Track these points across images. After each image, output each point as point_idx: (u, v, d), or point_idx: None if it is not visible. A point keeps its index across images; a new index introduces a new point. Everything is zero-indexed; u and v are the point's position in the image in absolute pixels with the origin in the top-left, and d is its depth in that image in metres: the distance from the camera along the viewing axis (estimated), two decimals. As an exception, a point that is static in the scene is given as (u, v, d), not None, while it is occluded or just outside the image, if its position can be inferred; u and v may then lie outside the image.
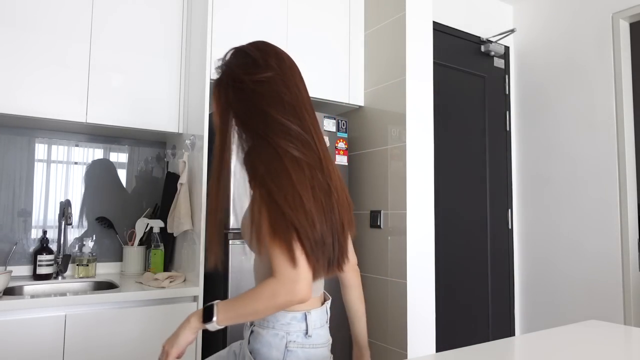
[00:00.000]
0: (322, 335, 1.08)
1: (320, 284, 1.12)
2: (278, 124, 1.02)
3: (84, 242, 2.19)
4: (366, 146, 2.34)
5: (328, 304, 1.14)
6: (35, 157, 2.19)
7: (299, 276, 0.94)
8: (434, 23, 2.77)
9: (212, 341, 1.97)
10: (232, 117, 1.07)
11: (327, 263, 1.01)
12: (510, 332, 3.06)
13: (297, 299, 0.94)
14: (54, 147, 2.24)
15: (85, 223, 2.28)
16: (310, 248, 0.95)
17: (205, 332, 2.00)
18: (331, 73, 2.29)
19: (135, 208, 2.40)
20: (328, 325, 1.14)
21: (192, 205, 2.00)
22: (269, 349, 1.04)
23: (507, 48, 3.18)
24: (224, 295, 1.88)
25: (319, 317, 1.09)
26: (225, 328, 1.85)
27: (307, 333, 1.05)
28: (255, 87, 1.05)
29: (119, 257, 2.34)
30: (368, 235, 2.28)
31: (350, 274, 1.26)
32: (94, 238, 2.29)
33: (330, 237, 1.00)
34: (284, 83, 1.06)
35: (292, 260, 0.93)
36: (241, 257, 1.90)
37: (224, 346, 1.86)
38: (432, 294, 2.13)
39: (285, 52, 1.13)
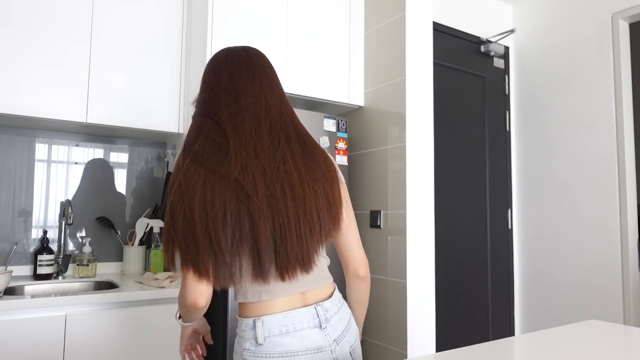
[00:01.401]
0: (283, 344, 0.99)
1: (282, 286, 1.02)
2: (196, 131, 1.03)
3: (84, 242, 2.19)
4: (366, 146, 2.34)
5: (308, 309, 1.03)
6: (36, 157, 2.19)
7: (184, 282, 0.97)
8: (434, 23, 2.77)
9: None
10: None
11: (253, 270, 0.98)
12: (510, 332, 3.06)
13: (187, 304, 0.98)
14: (54, 147, 2.24)
15: (85, 223, 2.28)
16: (188, 256, 0.94)
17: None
18: (331, 73, 2.29)
19: (135, 208, 2.41)
20: (315, 330, 1.02)
21: (192, 205, 2.00)
22: (235, 356, 1.05)
23: (506, 48, 3.18)
24: (223, 295, 1.88)
25: (280, 323, 1.01)
26: (225, 327, 1.85)
27: (257, 341, 1.00)
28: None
29: (119, 257, 2.34)
30: (368, 235, 2.28)
31: (349, 279, 1.17)
32: (94, 238, 2.29)
33: (239, 243, 0.95)
34: (215, 87, 1.06)
35: (173, 268, 0.97)
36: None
37: (224, 346, 1.86)
38: (432, 294, 2.13)
39: (230, 54, 1.09)
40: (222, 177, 0.95)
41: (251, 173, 0.96)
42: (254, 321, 1.01)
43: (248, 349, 1.00)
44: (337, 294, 1.12)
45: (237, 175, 0.95)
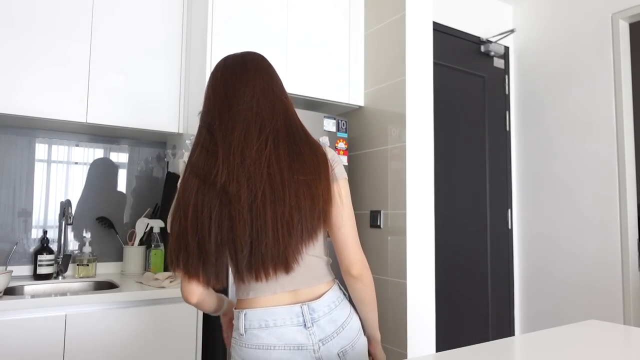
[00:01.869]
0: (261, 336, 1.05)
1: (266, 285, 1.07)
2: (195, 143, 1.09)
3: (84, 242, 2.19)
4: (366, 146, 2.34)
5: (292, 307, 1.06)
6: (36, 157, 2.19)
7: (180, 281, 1.10)
8: (434, 23, 2.77)
9: (211, 341, 1.97)
10: None
11: (233, 271, 1.06)
12: (510, 332, 3.06)
13: (184, 300, 1.10)
14: (54, 147, 2.24)
15: (85, 223, 2.28)
16: (180, 259, 1.04)
17: (205, 334, 2.00)
18: (331, 73, 2.29)
19: (135, 208, 2.41)
20: (298, 328, 1.05)
21: (192, 205, 2.00)
22: None
23: (506, 48, 3.18)
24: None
25: (259, 317, 1.06)
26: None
27: (239, 331, 1.08)
28: None
29: (119, 257, 2.34)
30: (368, 235, 2.28)
31: (344, 277, 1.15)
32: (94, 238, 2.29)
33: (220, 247, 1.01)
34: (212, 98, 1.11)
35: (173, 270, 1.08)
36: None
37: (224, 347, 1.86)
38: (432, 293, 2.13)
39: (226, 64, 1.13)
40: (210, 185, 1.02)
41: (236, 179, 1.01)
42: (239, 313, 1.09)
43: (234, 337, 1.10)
44: (332, 295, 1.10)
45: (224, 182, 1.01)
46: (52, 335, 1.59)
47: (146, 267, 2.25)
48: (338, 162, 1.13)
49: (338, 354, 1.07)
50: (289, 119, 1.10)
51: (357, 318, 1.15)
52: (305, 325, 1.05)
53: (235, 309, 1.12)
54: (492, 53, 3.05)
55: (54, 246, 2.17)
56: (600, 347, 1.04)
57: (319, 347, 1.05)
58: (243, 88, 1.08)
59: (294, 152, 1.06)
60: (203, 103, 1.13)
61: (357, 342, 1.12)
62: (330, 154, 1.13)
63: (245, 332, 1.06)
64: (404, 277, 2.07)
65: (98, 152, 2.34)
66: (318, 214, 1.05)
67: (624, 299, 2.50)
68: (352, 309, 1.15)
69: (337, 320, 1.08)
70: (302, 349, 1.04)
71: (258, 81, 1.10)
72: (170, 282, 1.89)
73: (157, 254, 2.17)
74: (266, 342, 1.04)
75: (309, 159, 1.07)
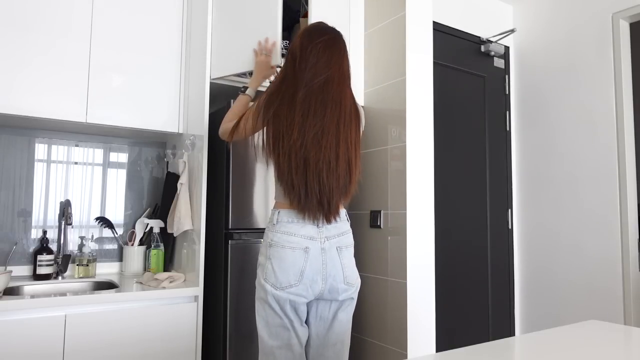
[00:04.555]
0: (288, 226, 1.50)
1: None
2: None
3: (84, 242, 2.19)
4: (366, 146, 2.34)
5: None
6: (35, 157, 2.19)
7: (242, 122, 1.64)
8: (434, 23, 2.77)
9: (211, 341, 1.97)
10: None
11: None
12: (510, 332, 3.06)
13: (226, 128, 1.70)
14: (54, 147, 2.24)
15: (85, 223, 2.28)
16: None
17: (205, 334, 2.00)
18: (331, 73, 2.28)
19: (135, 208, 2.41)
20: (314, 226, 1.49)
21: (192, 205, 2.01)
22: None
23: (507, 48, 3.18)
24: (224, 296, 1.88)
25: (289, 215, 1.52)
26: (225, 330, 1.85)
27: (273, 222, 1.52)
28: None
29: (119, 257, 2.34)
30: (368, 235, 2.28)
31: None
32: (94, 238, 2.29)
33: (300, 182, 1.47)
34: (293, 68, 1.56)
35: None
36: (241, 257, 1.90)
37: (224, 348, 1.86)
38: (432, 294, 2.13)
39: (307, 32, 1.57)
40: (291, 147, 1.51)
41: (313, 147, 1.52)
42: (275, 210, 1.53)
43: (270, 225, 1.52)
44: (340, 212, 1.53)
45: (298, 146, 1.51)
46: (52, 335, 1.59)
47: (146, 267, 2.25)
48: None
49: (336, 248, 1.51)
50: None
51: (352, 236, 1.59)
52: (318, 225, 1.49)
53: (273, 208, 1.54)
54: (493, 53, 3.05)
55: (53, 246, 2.17)
56: (600, 347, 1.04)
57: (325, 241, 1.49)
58: (301, 67, 1.56)
59: None
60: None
61: (350, 247, 1.56)
62: None
63: (277, 222, 1.49)
64: (404, 277, 2.07)
65: (98, 152, 2.34)
66: None
67: (624, 299, 2.49)
68: (350, 230, 1.58)
69: (338, 228, 1.53)
70: (313, 239, 1.47)
71: None
72: (170, 282, 1.89)
73: (157, 254, 2.17)
74: (291, 230, 1.47)
75: None
